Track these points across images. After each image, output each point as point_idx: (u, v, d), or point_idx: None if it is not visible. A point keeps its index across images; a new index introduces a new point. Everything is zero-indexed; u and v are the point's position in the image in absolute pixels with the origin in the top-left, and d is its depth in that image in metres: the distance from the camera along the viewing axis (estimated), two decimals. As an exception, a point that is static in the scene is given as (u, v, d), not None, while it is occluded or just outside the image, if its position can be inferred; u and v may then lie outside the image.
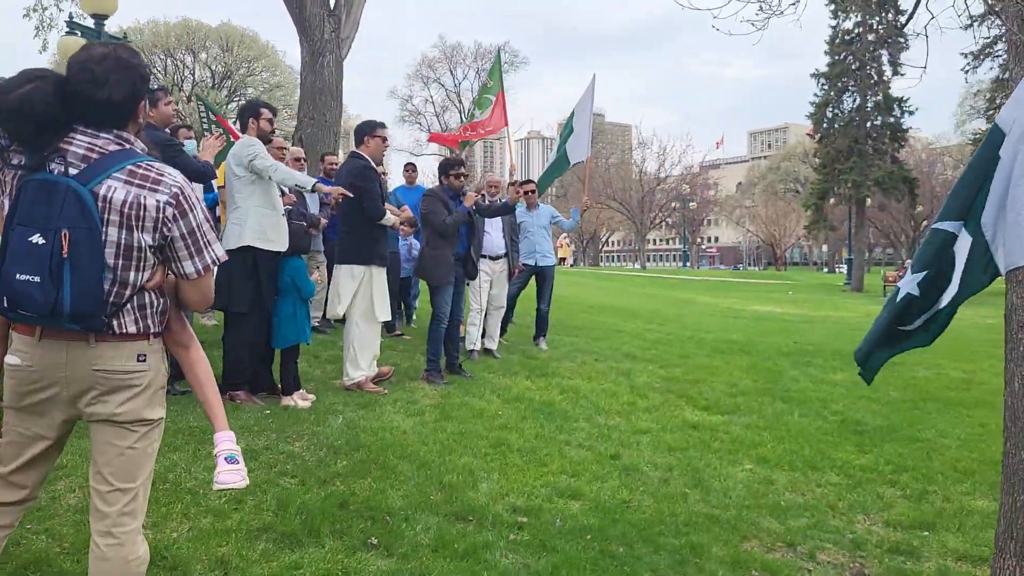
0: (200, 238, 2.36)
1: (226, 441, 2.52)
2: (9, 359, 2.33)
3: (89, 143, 2.27)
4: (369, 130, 6.45)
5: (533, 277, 9.62)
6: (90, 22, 12.57)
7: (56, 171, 2.21)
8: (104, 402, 2.33)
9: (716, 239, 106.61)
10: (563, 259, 40.97)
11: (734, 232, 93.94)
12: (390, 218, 6.30)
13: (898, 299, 3.79)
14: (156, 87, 5.92)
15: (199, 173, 5.69)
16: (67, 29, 12.36)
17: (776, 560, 4.23)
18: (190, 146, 7.09)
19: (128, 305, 2.31)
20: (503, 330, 9.63)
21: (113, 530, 2.36)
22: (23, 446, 2.42)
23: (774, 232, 77.64)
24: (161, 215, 2.26)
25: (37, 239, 2.16)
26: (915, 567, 4.32)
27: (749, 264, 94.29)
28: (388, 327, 9.05)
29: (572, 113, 9.78)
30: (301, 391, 5.84)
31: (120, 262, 2.27)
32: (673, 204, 58.97)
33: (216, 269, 2.46)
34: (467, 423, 5.90)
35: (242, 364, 5.59)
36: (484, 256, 8.39)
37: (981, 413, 7.76)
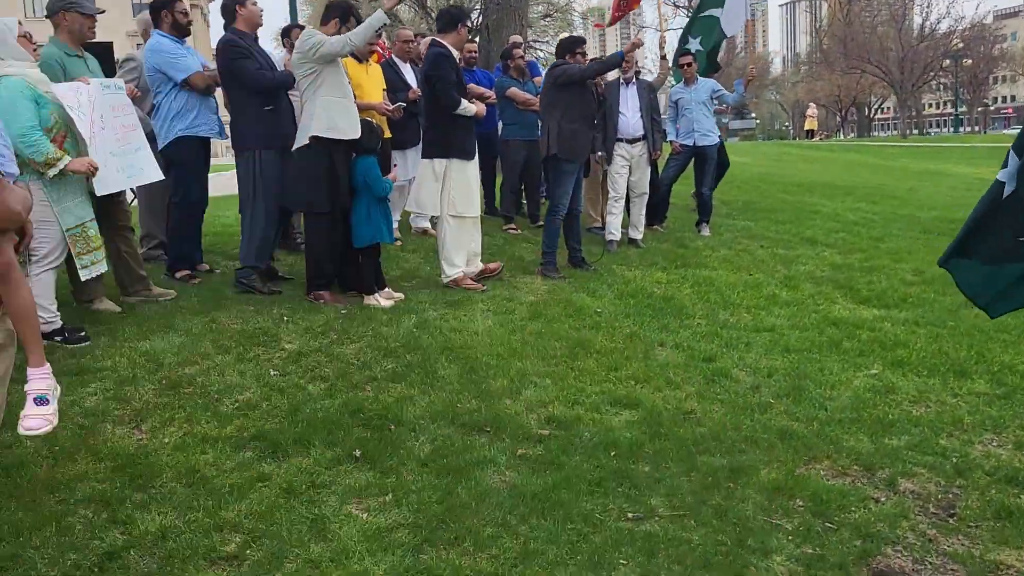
0: None
1: (36, 379, 2.43)
2: None
3: None
4: (461, 18, 6.08)
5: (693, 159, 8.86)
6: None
7: None
8: None
9: (1011, 98, 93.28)
10: (810, 132, 37.88)
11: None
12: (469, 108, 5.93)
13: (1003, 196, 2.82)
14: None
15: (275, 84, 5.64)
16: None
17: (836, 487, 3.61)
18: None
19: None
20: (662, 217, 9.02)
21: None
22: None
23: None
24: None
25: None
26: (1025, 503, 3.51)
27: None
28: (532, 218, 8.78)
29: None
30: (387, 290, 5.78)
31: None
32: (943, 63, 51.83)
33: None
34: (555, 322, 5.56)
35: (322, 265, 5.60)
36: (620, 139, 7.79)
37: None
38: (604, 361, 4.95)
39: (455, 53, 6.03)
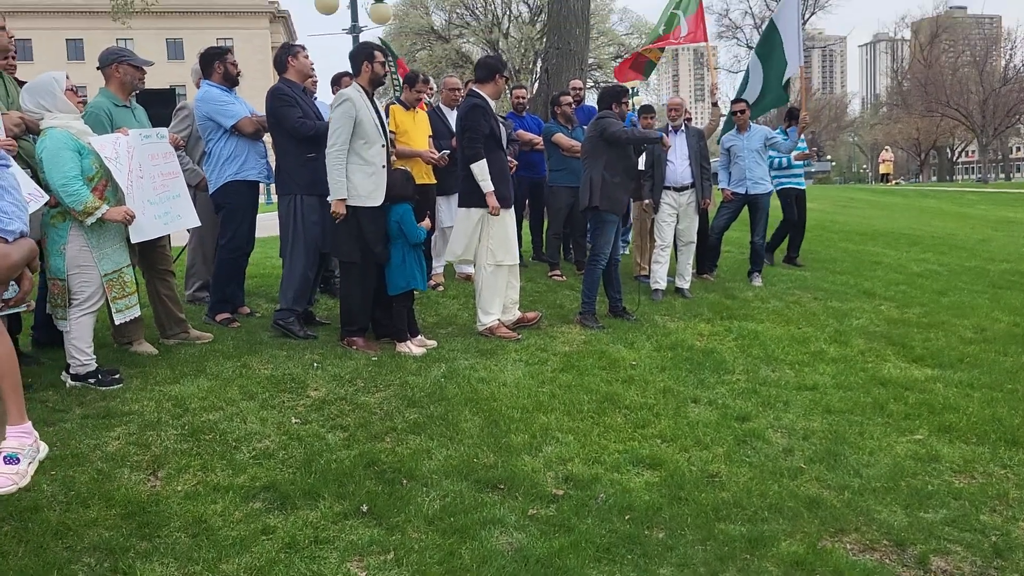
0: None
1: (13, 437, 2.45)
2: None
3: None
4: (500, 68, 6.12)
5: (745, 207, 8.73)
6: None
7: None
8: None
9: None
10: (886, 176, 37.01)
11: None
12: (486, 184, 5.90)
13: None
14: (295, 43, 6.11)
15: (314, 133, 5.76)
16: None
17: (860, 563, 3.43)
18: None
19: None
20: (712, 266, 8.87)
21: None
22: None
23: None
24: None
25: None
26: (1070, 590, 3.28)
27: None
28: (578, 264, 8.72)
29: (770, 23, 8.54)
30: (420, 337, 5.78)
31: None
32: (1026, 106, 50.10)
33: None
34: (587, 374, 5.47)
35: (354, 312, 5.64)
36: (667, 187, 7.71)
37: None
38: (632, 417, 4.85)
39: (492, 103, 6.05)
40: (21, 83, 4.90)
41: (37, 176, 4.49)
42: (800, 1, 8.45)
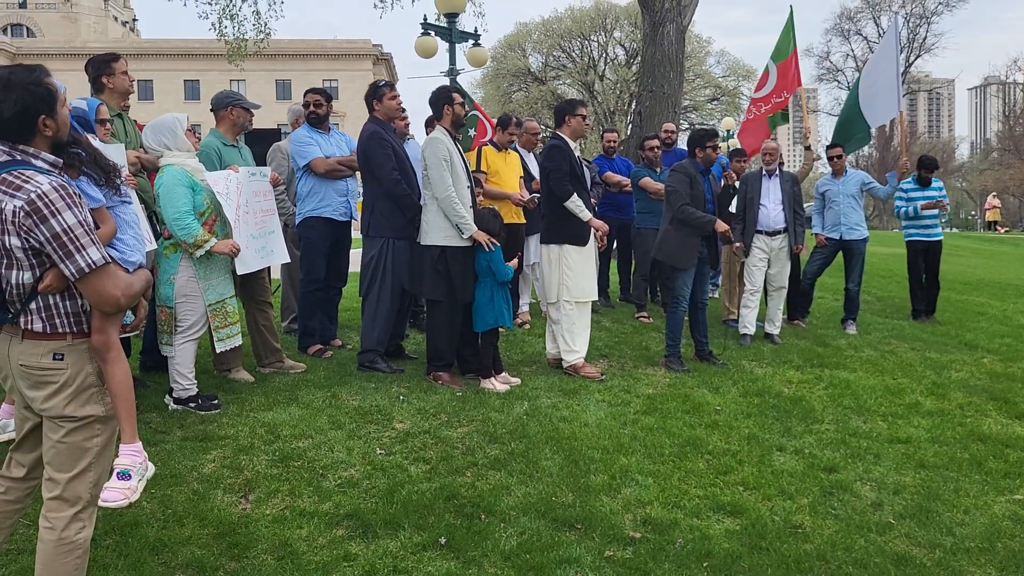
0: (69, 242, 2.37)
1: (126, 455, 2.61)
2: None
3: None
4: (570, 110, 6.22)
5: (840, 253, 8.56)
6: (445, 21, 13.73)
7: None
8: (32, 396, 2.55)
9: None
10: (993, 223, 35.50)
11: None
12: (583, 213, 6.00)
13: None
14: (382, 82, 6.28)
15: (399, 195, 5.87)
16: (421, 31, 13.59)
17: (950, 627, 3.30)
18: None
19: (33, 305, 2.49)
20: (804, 312, 8.70)
21: (48, 514, 2.58)
22: (23, 421, 2.73)
23: None
24: (17, 219, 2.34)
25: None
26: None
27: None
28: (665, 307, 8.67)
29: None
30: (503, 374, 5.85)
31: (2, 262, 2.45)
32: None
33: (103, 272, 2.42)
34: (670, 417, 5.44)
35: (441, 348, 5.76)
36: (759, 231, 7.64)
37: None
38: (715, 463, 4.79)
39: (572, 144, 6.17)
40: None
41: (150, 211, 4.79)
42: (898, 42, 8.27)
